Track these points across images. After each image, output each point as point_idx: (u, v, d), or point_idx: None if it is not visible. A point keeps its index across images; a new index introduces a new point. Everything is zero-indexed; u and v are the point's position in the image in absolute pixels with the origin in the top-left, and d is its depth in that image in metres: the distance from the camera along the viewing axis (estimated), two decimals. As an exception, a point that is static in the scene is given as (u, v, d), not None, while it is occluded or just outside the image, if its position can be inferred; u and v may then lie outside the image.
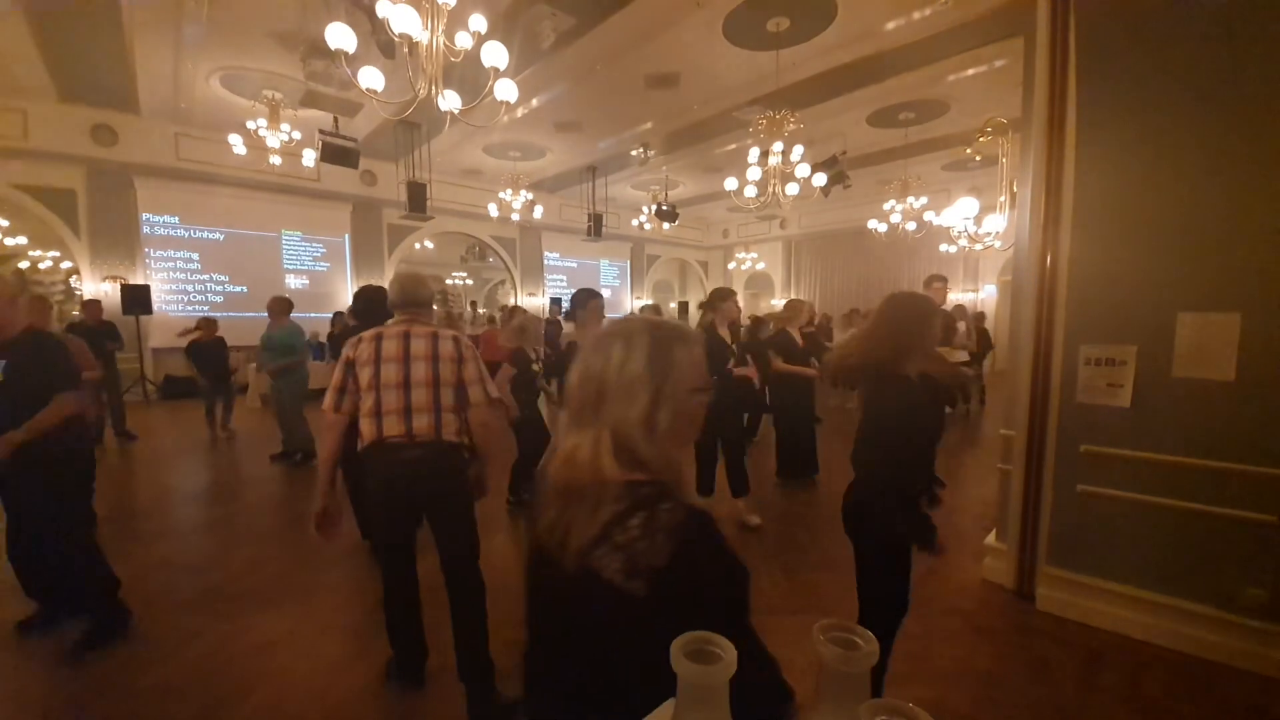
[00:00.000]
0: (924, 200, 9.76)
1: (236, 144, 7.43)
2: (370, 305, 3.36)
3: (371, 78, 3.85)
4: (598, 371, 0.85)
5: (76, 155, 8.71)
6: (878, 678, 1.93)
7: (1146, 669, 2.45)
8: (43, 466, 2.49)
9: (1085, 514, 2.82)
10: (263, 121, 7.45)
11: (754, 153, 6.50)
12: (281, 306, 5.86)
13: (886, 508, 1.80)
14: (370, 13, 3.67)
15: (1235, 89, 2.37)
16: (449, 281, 20.32)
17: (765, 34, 6.11)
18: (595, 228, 12.23)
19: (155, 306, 9.35)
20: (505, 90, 3.85)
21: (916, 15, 5.69)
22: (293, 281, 11.14)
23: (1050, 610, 2.89)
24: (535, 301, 14.62)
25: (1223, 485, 2.46)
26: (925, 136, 9.44)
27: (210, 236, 10.22)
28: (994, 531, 3.35)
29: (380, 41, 4.27)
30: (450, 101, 3.85)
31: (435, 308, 3.15)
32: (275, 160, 7.80)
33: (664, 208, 11.38)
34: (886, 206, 9.74)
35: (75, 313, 8.54)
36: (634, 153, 10.12)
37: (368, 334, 2.21)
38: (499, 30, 5.38)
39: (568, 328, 5.08)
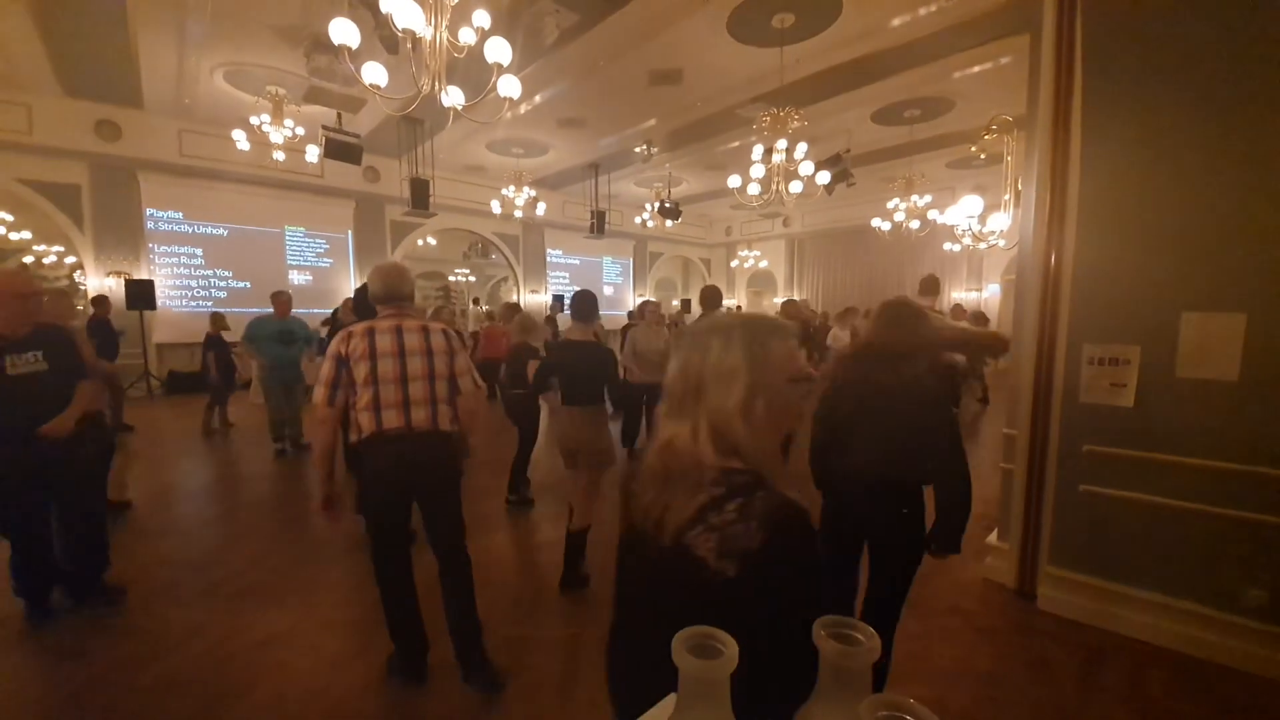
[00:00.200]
0: (928, 198, 9.72)
1: (240, 139, 7.44)
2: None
3: (375, 73, 3.85)
4: (696, 365, 0.89)
5: (81, 150, 8.73)
6: (881, 675, 1.95)
7: (1147, 669, 2.45)
8: (82, 448, 2.85)
9: (1087, 514, 2.81)
10: (266, 117, 7.46)
11: (758, 150, 6.48)
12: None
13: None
14: (374, 8, 3.66)
15: (1241, 88, 2.36)
16: (451, 278, 20.33)
17: (770, 30, 6.09)
18: (598, 225, 12.22)
19: (159, 302, 9.37)
20: (508, 86, 3.84)
21: (922, 11, 5.67)
22: (296, 277, 11.16)
23: (1051, 610, 2.88)
24: (537, 299, 14.63)
25: (1225, 486, 2.46)
26: (930, 134, 9.41)
27: (214, 232, 10.24)
28: (995, 531, 3.35)
29: (383, 37, 4.27)
30: (453, 98, 3.84)
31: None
32: (279, 156, 7.80)
33: (667, 205, 11.37)
34: (890, 205, 9.71)
35: (79, 307, 8.56)
36: (637, 150, 10.10)
37: (358, 329, 2.21)
38: (502, 26, 5.37)
39: (565, 326, 5.14)
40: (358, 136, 8.14)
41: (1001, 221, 6.96)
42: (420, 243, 13.79)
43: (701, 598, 0.81)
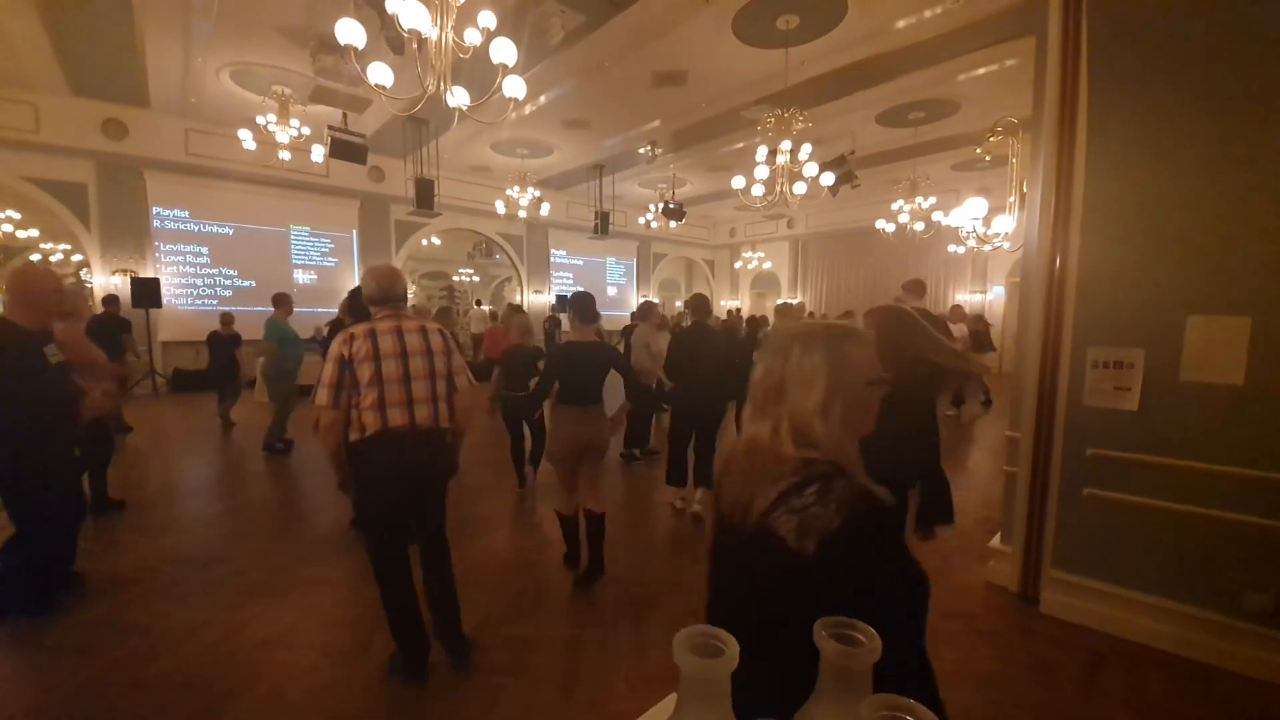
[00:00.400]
0: (932, 200, 9.70)
1: (246, 139, 7.47)
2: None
3: (380, 74, 3.86)
4: (778, 369, 0.97)
5: (87, 149, 8.77)
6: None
7: (1150, 673, 2.44)
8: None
9: (1091, 517, 2.80)
10: (272, 117, 7.48)
11: (762, 151, 6.47)
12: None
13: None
14: (380, 8, 3.68)
15: (1247, 91, 2.35)
16: (455, 278, 20.37)
17: (775, 32, 6.08)
18: (602, 226, 12.22)
19: (164, 300, 9.43)
20: (513, 87, 3.85)
21: (927, 14, 5.65)
22: (300, 276, 11.21)
23: (1054, 614, 2.88)
24: (541, 299, 14.65)
25: (1229, 490, 2.45)
26: (935, 136, 9.38)
27: (220, 231, 10.29)
28: (999, 534, 3.34)
29: (389, 37, 4.28)
30: (459, 98, 3.85)
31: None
32: (284, 155, 7.83)
33: (671, 206, 11.36)
34: (895, 206, 9.69)
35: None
36: (641, 151, 10.11)
37: (359, 330, 2.26)
38: (508, 27, 5.37)
39: (565, 327, 5.20)
40: (363, 136, 8.16)
41: (1006, 224, 6.94)
42: (425, 243, 13.82)
43: (784, 577, 0.87)
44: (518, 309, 9.89)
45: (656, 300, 17.04)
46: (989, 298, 13.72)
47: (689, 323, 4.50)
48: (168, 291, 9.61)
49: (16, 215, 10.64)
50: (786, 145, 6.51)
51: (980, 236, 7.48)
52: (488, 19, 3.59)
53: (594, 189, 12.22)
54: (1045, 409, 2.93)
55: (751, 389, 1.01)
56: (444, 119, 7.26)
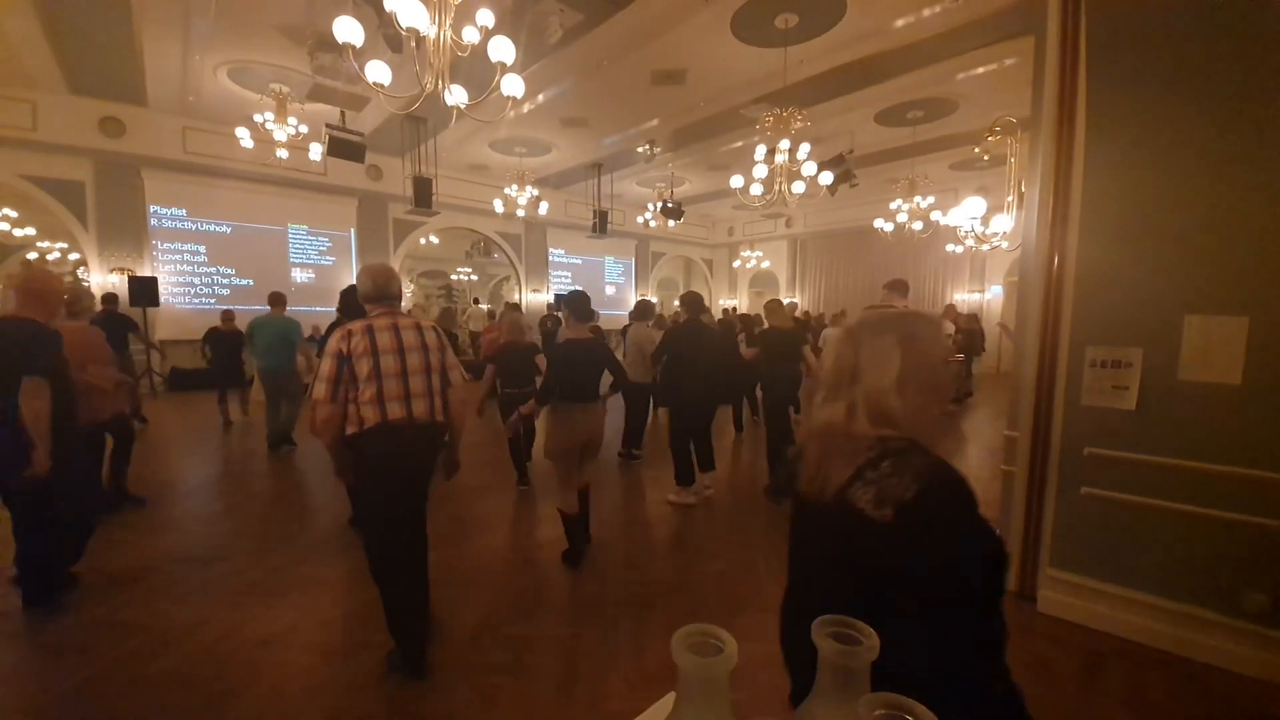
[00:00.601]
0: (931, 200, 9.70)
1: (244, 137, 7.45)
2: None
3: (378, 72, 3.85)
4: (852, 353, 1.02)
5: (85, 147, 8.75)
6: None
7: (1148, 672, 2.45)
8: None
9: (1089, 517, 2.81)
10: (270, 115, 7.46)
11: (760, 150, 6.47)
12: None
13: None
14: (378, 6, 3.67)
15: (1245, 91, 2.35)
16: (453, 277, 20.35)
17: (773, 31, 6.08)
18: (600, 224, 12.21)
19: (162, 299, 9.41)
20: (512, 85, 3.84)
21: (926, 13, 5.65)
22: (298, 275, 11.19)
23: (1052, 613, 2.88)
24: (539, 298, 14.63)
25: (1227, 489, 2.45)
26: (933, 135, 9.38)
27: (217, 229, 10.26)
28: (997, 532, 3.34)
29: (387, 36, 4.28)
30: (457, 96, 3.85)
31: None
32: (282, 154, 7.81)
33: (669, 205, 11.35)
34: (893, 206, 9.69)
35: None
36: (640, 149, 10.10)
37: (356, 327, 2.32)
38: (506, 25, 5.36)
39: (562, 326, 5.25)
40: (361, 135, 8.15)
41: (1004, 223, 6.94)
42: (423, 241, 13.80)
43: (862, 545, 0.92)
44: (514, 307, 9.91)
45: (655, 299, 17.09)
46: (987, 297, 13.73)
47: (683, 319, 4.57)
48: (165, 290, 9.59)
49: (13, 214, 10.61)
50: (785, 144, 6.50)
51: (978, 236, 7.48)
52: (486, 17, 3.58)
53: (592, 188, 12.20)
54: (1043, 408, 2.94)
55: (825, 375, 1.07)
56: (442, 117, 7.25)
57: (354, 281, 2.70)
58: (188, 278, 10.08)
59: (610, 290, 16.73)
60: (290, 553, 3.61)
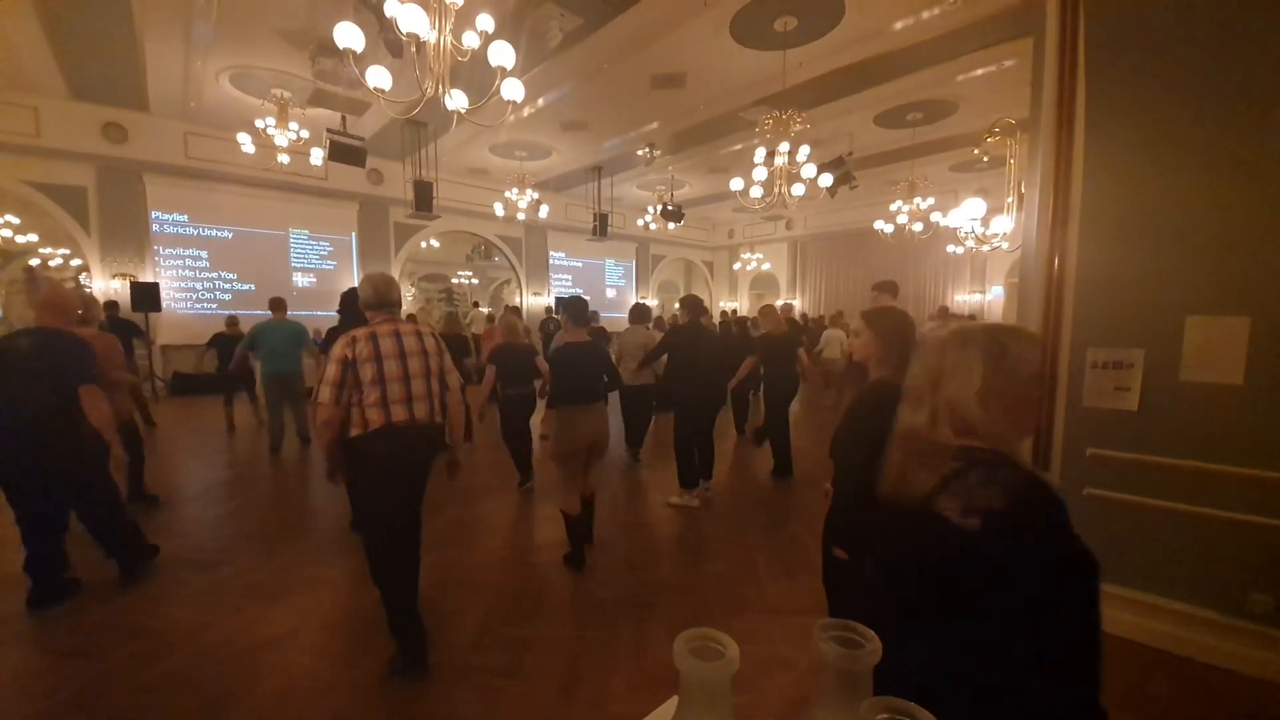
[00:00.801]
0: (931, 201, 9.71)
1: (245, 143, 7.47)
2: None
3: (379, 77, 3.86)
4: (935, 363, 1.03)
5: (87, 153, 8.77)
6: None
7: (1151, 673, 2.45)
8: None
9: (1091, 518, 2.80)
10: (271, 120, 7.48)
11: (760, 153, 6.48)
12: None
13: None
14: (378, 12, 3.68)
15: (1245, 91, 2.35)
16: (454, 281, 20.37)
17: (772, 34, 6.09)
18: (601, 227, 12.23)
19: (164, 304, 9.42)
20: (512, 90, 3.85)
21: (925, 15, 5.66)
22: (300, 280, 11.22)
23: (1055, 613, 2.87)
24: (540, 301, 14.65)
25: (1230, 490, 2.45)
26: (933, 137, 9.39)
27: (219, 234, 10.29)
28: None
29: (388, 41, 4.29)
30: (457, 101, 3.86)
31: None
32: (283, 159, 7.83)
33: (669, 208, 11.37)
34: (893, 207, 9.70)
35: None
36: (640, 153, 10.12)
37: (361, 334, 2.43)
38: (506, 30, 5.39)
39: (561, 330, 5.31)
40: (362, 139, 8.16)
41: (1004, 224, 6.94)
42: (423, 245, 13.82)
43: (950, 555, 0.93)
44: (514, 310, 9.91)
45: (656, 302, 17.09)
46: (988, 298, 13.73)
47: (683, 321, 4.61)
48: (167, 295, 9.61)
49: (16, 220, 10.62)
50: (785, 147, 6.51)
51: (979, 237, 7.49)
52: (486, 22, 3.60)
53: (593, 191, 12.22)
54: (1045, 410, 2.94)
55: (908, 384, 1.09)
56: (443, 121, 7.26)
57: (355, 285, 2.77)
58: (189, 283, 10.10)
59: (611, 293, 16.74)
60: (292, 555, 3.61)
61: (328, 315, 10.17)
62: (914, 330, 2.08)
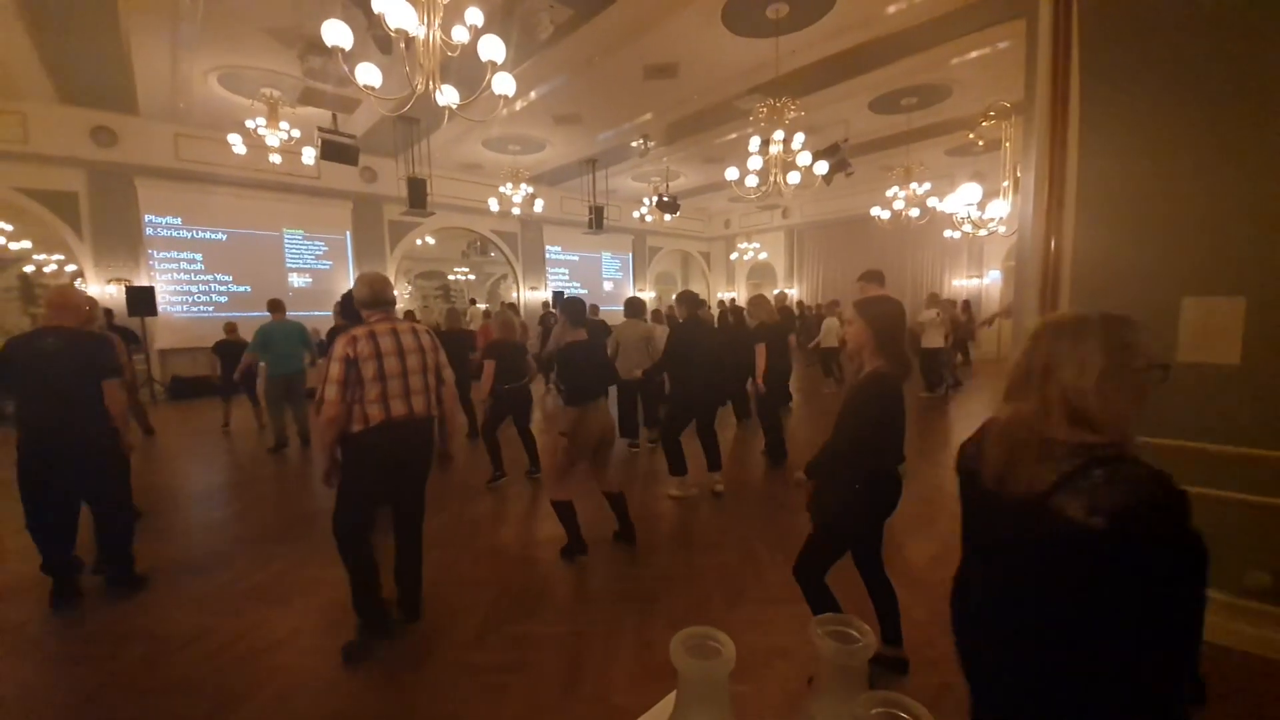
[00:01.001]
0: (927, 186, 9.68)
1: (236, 143, 7.43)
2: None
3: (369, 74, 3.83)
4: (1047, 351, 1.00)
5: (77, 157, 8.72)
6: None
7: (1153, 654, 2.45)
8: None
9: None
10: (262, 120, 7.44)
11: (755, 142, 6.45)
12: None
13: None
14: (366, 8, 3.65)
15: (1238, 70, 2.34)
16: (451, 277, 20.33)
17: (764, 21, 6.05)
18: (596, 220, 12.19)
19: (160, 308, 9.39)
20: (503, 84, 3.82)
21: (917, -1, 5.63)
22: (295, 280, 11.18)
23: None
24: (537, 295, 14.63)
25: (1227, 469, 2.45)
26: (928, 121, 9.34)
27: (213, 237, 10.24)
28: (999, 519, 3.35)
29: (377, 37, 4.25)
30: (448, 96, 3.83)
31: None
32: (275, 159, 7.79)
33: (665, 199, 11.34)
34: (889, 193, 9.67)
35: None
36: (634, 144, 10.07)
37: (360, 332, 2.52)
38: (496, 23, 5.34)
39: (558, 328, 5.33)
40: (353, 137, 8.12)
41: (1001, 208, 6.93)
42: (419, 242, 13.78)
43: (1074, 554, 0.91)
44: (510, 306, 9.89)
45: (653, 294, 17.05)
46: (985, 282, 13.72)
47: (682, 318, 4.65)
48: (163, 299, 9.58)
49: (8, 226, 10.56)
50: (779, 135, 6.48)
51: (975, 221, 7.48)
52: (475, 16, 3.56)
53: (587, 184, 12.18)
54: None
55: (1009, 372, 1.07)
56: (434, 117, 7.23)
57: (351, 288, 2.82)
58: (185, 286, 10.06)
59: (608, 286, 16.71)
60: (293, 557, 3.62)
61: (324, 315, 10.18)
62: (904, 318, 2.09)
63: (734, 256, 17.74)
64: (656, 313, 9.90)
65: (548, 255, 15.14)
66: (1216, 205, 2.42)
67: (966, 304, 11.99)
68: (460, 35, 3.59)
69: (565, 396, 3.48)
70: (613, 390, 3.90)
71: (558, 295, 14.16)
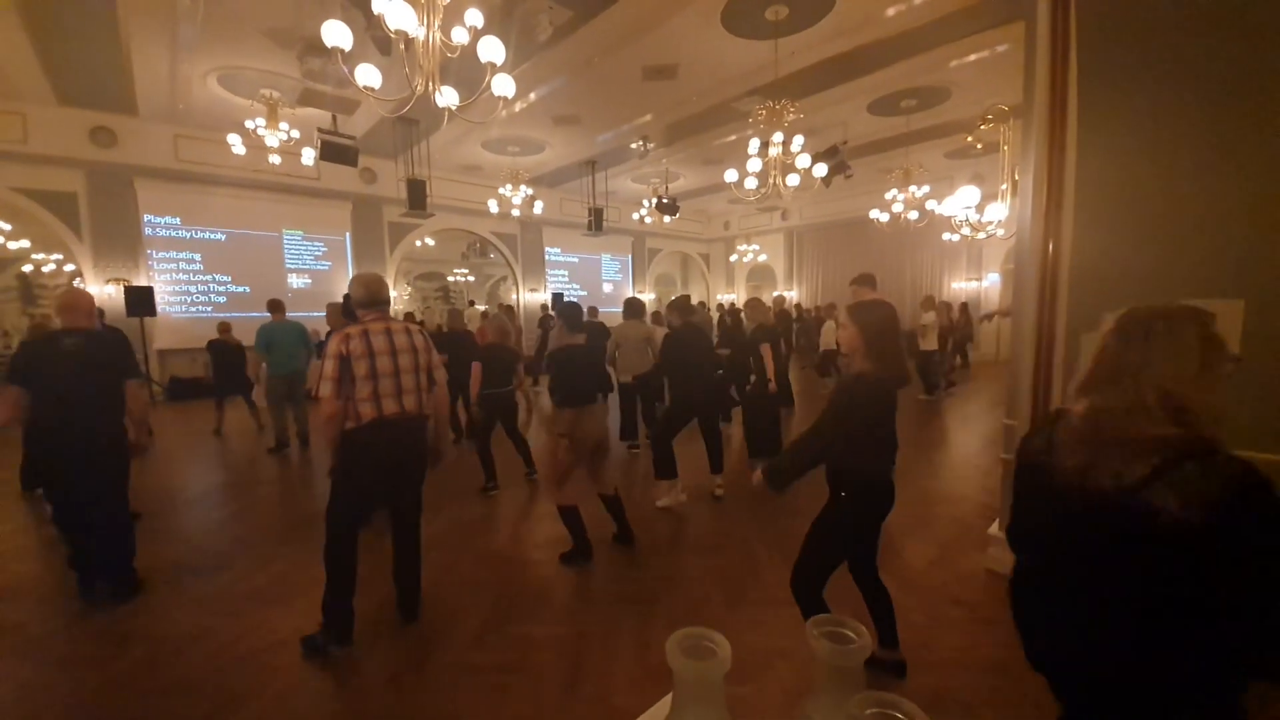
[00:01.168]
0: (926, 189, 9.69)
1: (235, 144, 7.43)
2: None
3: (368, 75, 3.83)
4: (1141, 345, 1.00)
5: (76, 158, 8.73)
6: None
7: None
8: None
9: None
10: (261, 121, 7.45)
11: (754, 144, 6.46)
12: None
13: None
14: (366, 9, 3.65)
15: (1238, 72, 2.34)
16: (450, 279, 20.32)
17: (764, 23, 6.06)
18: (596, 222, 12.19)
19: (159, 308, 9.39)
20: (502, 85, 3.82)
21: (916, 0, 5.64)
22: (294, 281, 11.18)
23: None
24: (537, 297, 14.63)
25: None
26: (927, 124, 9.36)
27: (212, 237, 10.25)
28: (997, 521, 3.36)
29: (376, 38, 4.25)
30: (448, 98, 3.83)
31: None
32: (275, 160, 7.79)
33: (664, 201, 11.34)
34: (888, 196, 9.68)
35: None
36: (633, 146, 10.07)
37: (354, 331, 2.56)
38: (495, 25, 5.35)
39: (556, 333, 5.35)
40: (353, 138, 8.12)
41: (999, 211, 6.94)
42: (418, 243, 13.78)
43: (1168, 546, 0.91)
44: (507, 310, 9.90)
45: (652, 296, 17.04)
46: (984, 285, 13.74)
47: (675, 324, 4.67)
48: (162, 300, 9.58)
49: (7, 226, 10.54)
50: (778, 137, 6.49)
51: (974, 224, 7.49)
52: (475, 17, 3.56)
53: (587, 185, 12.18)
54: (1041, 396, 2.94)
55: (1091, 365, 1.06)
56: (434, 119, 7.23)
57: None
58: (184, 286, 10.07)
59: (608, 288, 16.72)
60: (294, 557, 3.62)
61: (323, 316, 10.15)
62: (896, 322, 2.10)
63: (733, 258, 17.75)
64: (656, 314, 9.91)
65: (547, 257, 15.15)
66: (1215, 207, 2.43)
67: (964, 306, 12.01)
68: (460, 36, 3.59)
69: (560, 399, 3.47)
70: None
71: (557, 297, 14.16)
